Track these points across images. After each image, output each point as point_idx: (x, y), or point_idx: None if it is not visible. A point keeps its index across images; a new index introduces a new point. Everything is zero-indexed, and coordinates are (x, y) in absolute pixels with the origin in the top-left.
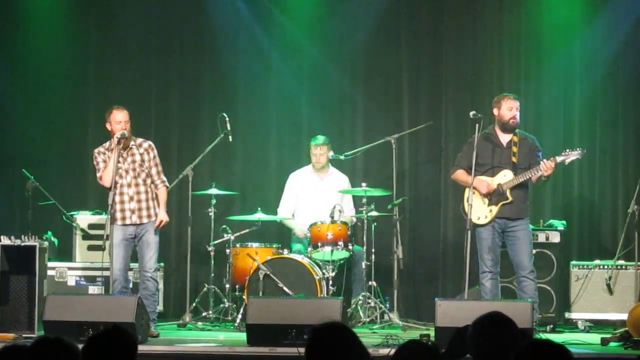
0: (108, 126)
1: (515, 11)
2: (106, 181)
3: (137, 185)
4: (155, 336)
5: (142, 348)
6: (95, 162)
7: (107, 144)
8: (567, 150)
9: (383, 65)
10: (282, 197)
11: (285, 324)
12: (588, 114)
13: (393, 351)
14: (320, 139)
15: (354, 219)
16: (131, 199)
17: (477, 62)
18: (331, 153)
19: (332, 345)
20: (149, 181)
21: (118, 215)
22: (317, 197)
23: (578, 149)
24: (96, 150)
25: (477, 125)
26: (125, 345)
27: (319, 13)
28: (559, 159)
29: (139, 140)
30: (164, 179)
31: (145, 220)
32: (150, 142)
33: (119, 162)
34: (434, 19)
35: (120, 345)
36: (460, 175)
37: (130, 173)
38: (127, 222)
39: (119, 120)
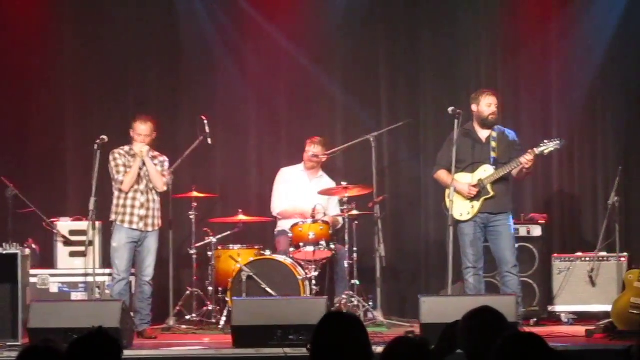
0: (131, 132)
1: (491, 3)
2: (126, 186)
3: (148, 193)
4: (154, 337)
5: (127, 353)
6: (114, 164)
7: (126, 148)
8: (545, 141)
9: (360, 63)
10: (276, 193)
11: (270, 325)
12: (566, 104)
13: (381, 349)
14: (317, 140)
15: (340, 220)
16: (142, 205)
17: (454, 56)
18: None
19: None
20: (158, 191)
21: (126, 218)
22: (302, 197)
23: (556, 139)
24: (116, 152)
25: (456, 121)
26: (109, 347)
27: (295, 12)
28: (537, 150)
29: (156, 153)
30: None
31: (150, 229)
32: (166, 158)
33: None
34: (411, 15)
35: (105, 348)
36: (441, 175)
37: (144, 181)
38: (134, 227)
39: (139, 133)
